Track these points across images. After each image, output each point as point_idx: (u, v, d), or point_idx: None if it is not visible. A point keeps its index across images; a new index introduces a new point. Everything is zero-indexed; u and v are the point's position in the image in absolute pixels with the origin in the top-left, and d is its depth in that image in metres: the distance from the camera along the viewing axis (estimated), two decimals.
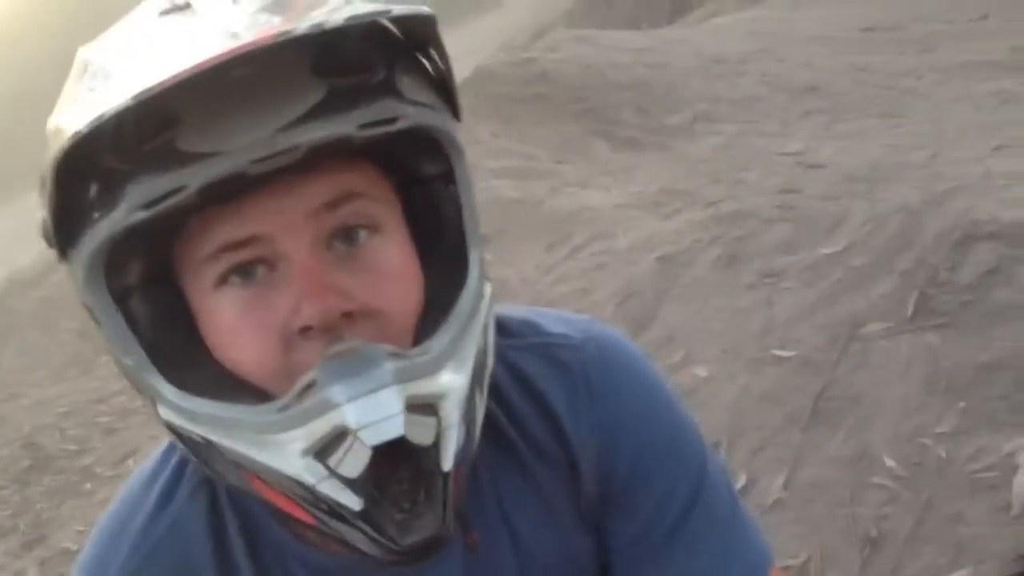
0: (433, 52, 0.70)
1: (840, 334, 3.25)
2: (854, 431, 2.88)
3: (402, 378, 0.64)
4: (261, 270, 0.68)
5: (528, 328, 0.90)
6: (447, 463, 0.66)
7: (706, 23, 9.03)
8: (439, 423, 0.66)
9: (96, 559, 0.83)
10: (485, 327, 0.72)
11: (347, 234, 0.69)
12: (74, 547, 4.14)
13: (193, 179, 0.61)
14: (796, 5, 9.13)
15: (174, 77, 0.55)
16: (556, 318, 0.92)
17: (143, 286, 0.70)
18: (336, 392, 0.63)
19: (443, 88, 0.72)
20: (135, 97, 0.55)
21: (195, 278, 0.70)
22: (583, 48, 7.51)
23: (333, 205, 0.68)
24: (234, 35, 0.60)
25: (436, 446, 0.66)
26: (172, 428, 0.70)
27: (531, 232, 4.91)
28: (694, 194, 4.88)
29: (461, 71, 8.20)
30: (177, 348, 0.70)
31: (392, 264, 0.71)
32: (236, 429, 0.66)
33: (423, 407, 0.65)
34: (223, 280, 0.68)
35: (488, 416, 0.79)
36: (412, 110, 0.67)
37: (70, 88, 0.68)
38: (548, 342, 0.88)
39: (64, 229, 0.65)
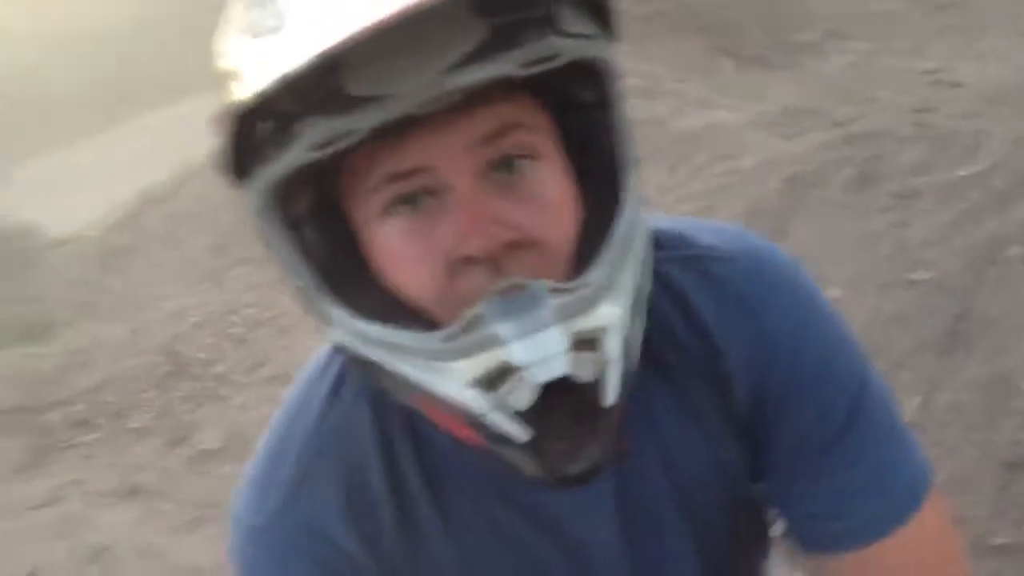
0: None
1: (978, 257, 3.17)
2: (991, 356, 2.82)
3: (565, 315, 0.65)
4: (425, 199, 0.70)
5: (678, 240, 0.89)
6: (609, 398, 0.68)
7: None
8: (601, 358, 0.67)
9: (270, 456, 0.88)
10: (642, 253, 0.73)
11: (507, 164, 0.71)
12: (215, 447, 4.36)
13: (362, 123, 0.64)
14: None
15: (360, 33, 0.57)
16: (708, 229, 0.91)
17: (313, 215, 0.74)
18: (502, 329, 0.65)
19: (601, 11, 0.71)
20: (321, 56, 0.57)
21: (362, 208, 0.73)
22: None
23: (493, 136, 0.69)
24: None
25: (599, 381, 0.67)
26: (343, 349, 0.74)
27: (653, 152, 4.85)
28: (824, 113, 4.75)
29: None
30: (349, 273, 0.73)
31: (551, 192, 0.72)
32: (405, 354, 0.69)
33: (585, 343, 0.66)
34: (389, 209, 0.71)
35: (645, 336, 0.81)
36: (572, 44, 0.67)
37: (239, 14, 0.71)
38: (699, 254, 0.88)
39: (239, 162, 0.68)
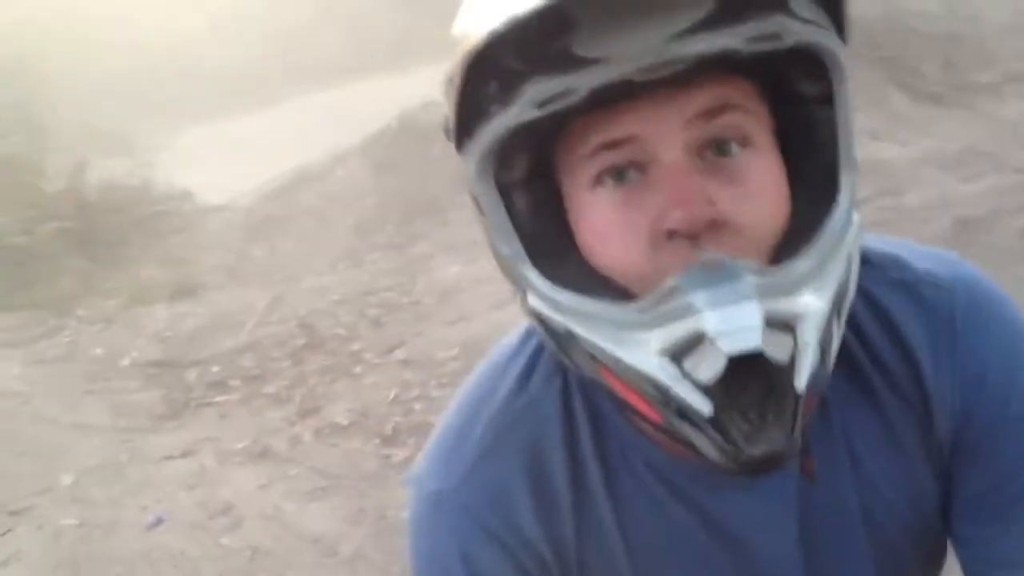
0: None
1: None
2: None
3: (764, 293, 0.64)
4: (634, 173, 0.70)
5: (892, 262, 0.86)
6: (800, 383, 0.66)
7: None
8: (795, 342, 0.66)
9: (459, 426, 0.89)
10: (849, 256, 0.71)
11: (719, 145, 0.70)
12: (345, 422, 4.44)
13: (583, 83, 0.64)
14: None
15: None
16: (923, 254, 0.88)
17: (525, 182, 0.75)
18: (698, 298, 0.64)
19: (833, 7, 0.70)
20: (547, 4, 0.58)
21: (572, 176, 0.73)
22: None
23: (709, 115, 0.68)
24: None
25: (791, 365, 0.66)
26: (538, 316, 0.74)
27: None
28: (1000, 158, 4.57)
29: None
30: (550, 242, 0.74)
31: (760, 180, 0.70)
32: (597, 322, 0.69)
33: (781, 325, 0.65)
34: (598, 180, 0.71)
35: (843, 346, 0.78)
36: (801, 27, 0.66)
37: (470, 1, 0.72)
38: (913, 279, 0.85)
39: (464, 123, 0.70)
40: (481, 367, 0.93)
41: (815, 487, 0.84)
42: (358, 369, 5.09)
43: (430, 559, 0.89)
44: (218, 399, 5.11)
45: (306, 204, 8.89)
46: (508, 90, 0.67)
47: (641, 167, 0.70)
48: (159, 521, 3.89)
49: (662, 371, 0.66)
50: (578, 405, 0.85)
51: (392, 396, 4.62)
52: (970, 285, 0.85)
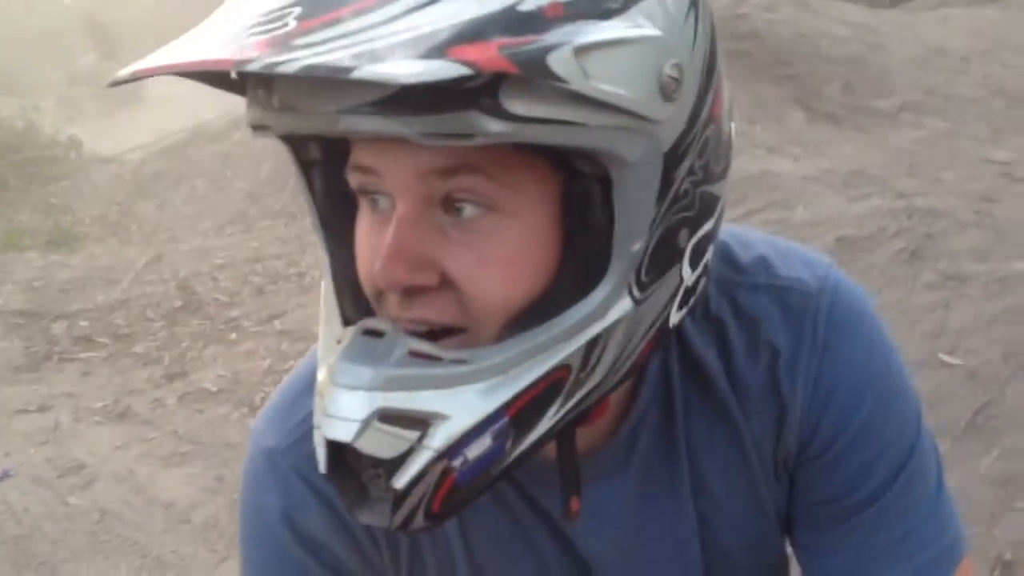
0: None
1: (1017, 352, 3.09)
2: (1008, 454, 2.76)
3: (387, 386, 0.61)
4: (384, 201, 0.66)
5: (761, 267, 0.84)
6: (399, 482, 0.63)
7: (933, 12, 8.55)
8: (417, 442, 0.62)
9: (300, 388, 0.86)
10: (593, 344, 0.66)
11: (455, 205, 0.64)
12: (213, 388, 4.33)
13: (279, 124, 0.61)
14: None
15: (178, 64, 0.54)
16: (795, 259, 0.85)
17: (324, 162, 0.72)
18: (338, 368, 0.63)
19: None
20: (136, 74, 0.55)
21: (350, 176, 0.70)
22: (800, 13, 7.20)
23: (447, 173, 0.62)
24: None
25: (397, 461, 0.63)
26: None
27: None
28: (887, 182, 4.67)
29: None
30: (340, 225, 0.73)
31: (499, 250, 0.64)
32: (324, 323, 0.73)
33: (405, 421, 0.62)
34: (360, 193, 0.69)
35: (695, 351, 0.81)
36: (510, 127, 0.56)
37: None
38: (780, 284, 0.83)
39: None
40: (313, 350, 0.89)
41: (654, 497, 0.84)
42: (234, 336, 4.98)
43: (256, 514, 0.88)
44: (83, 355, 4.94)
45: (200, 164, 8.69)
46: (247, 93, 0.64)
47: (391, 200, 0.66)
48: (5, 475, 3.73)
49: (316, 411, 0.66)
50: None
51: (266, 366, 4.52)
52: (835, 296, 0.83)
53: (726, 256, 0.83)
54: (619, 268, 0.64)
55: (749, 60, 6.61)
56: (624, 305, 0.66)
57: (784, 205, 4.62)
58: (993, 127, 5.86)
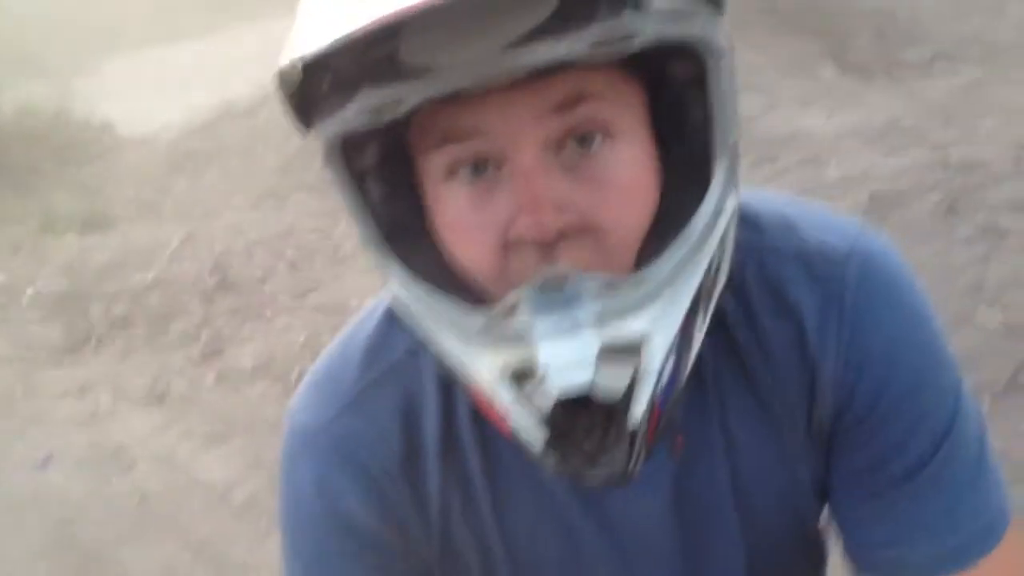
0: None
1: None
2: None
3: (604, 319, 0.61)
4: (490, 167, 0.66)
5: (785, 229, 0.82)
6: (635, 417, 0.64)
7: None
8: (636, 369, 0.63)
9: (339, 365, 0.87)
10: (723, 240, 0.68)
11: (580, 139, 0.65)
12: (248, 366, 4.35)
13: (413, 94, 0.60)
14: None
15: (417, 5, 0.52)
16: (820, 222, 0.83)
17: (379, 167, 0.71)
18: (534, 325, 0.62)
19: None
20: (375, 23, 0.54)
21: (426, 165, 0.70)
22: None
23: (564, 107, 0.64)
24: None
25: (627, 396, 0.63)
26: (398, 303, 0.73)
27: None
28: (922, 134, 4.58)
29: None
30: (409, 228, 0.71)
31: (624, 175, 0.66)
32: (446, 324, 0.67)
33: (621, 350, 0.62)
34: (453, 171, 0.67)
35: (724, 318, 0.79)
36: (653, 24, 0.60)
37: None
38: (805, 249, 0.81)
39: (303, 111, 0.66)
40: (374, 308, 0.89)
41: (690, 467, 0.83)
42: (269, 312, 4.99)
43: (294, 491, 0.87)
44: (120, 337, 4.98)
45: (231, 140, 8.70)
46: (340, 91, 0.63)
47: (496, 160, 0.66)
48: (48, 459, 3.78)
49: (502, 390, 0.65)
50: None
51: (302, 340, 4.53)
52: (865, 259, 0.80)
53: (746, 218, 0.80)
54: (724, 162, 0.66)
55: (777, 15, 6.50)
56: (735, 199, 0.68)
57: (816, 162, 4.55)
58: None
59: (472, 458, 0.83)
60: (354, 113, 0.62)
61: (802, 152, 4.67)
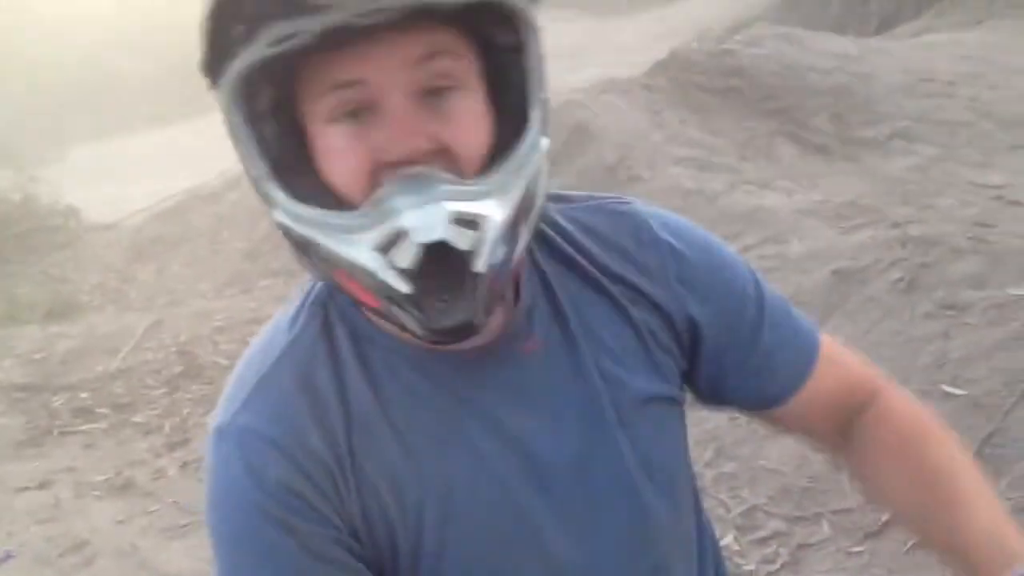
0: None
1: (1020, 379, 3.06)
2: (1019, 482, 2.71)
3: (452, 197, 0.80)
4: (365, 113, 0.84)
5: (585, 195, 1.08)
6: (478, 266, 0.81)
7: (917, 39, 8.60)
8: (478, 236, 0.81)
9: (238, 374, 0.96)
10: (537, 171, 0.87)
11: (435, 90, 0.84)
12: None
13: (311, 25, 0.76)
14: (1019, 32, 8.60)
15: None
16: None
17: (271, 113, 0.87)
18: (399, 202, 0.80)
19: None
20: None
21: (312, 110, 0.86)
22: (785, 47, 7.25)
23: (425, 59, 0.83)
24: None
25: (472, 252, 0.81)
26: (283, 228, 0.86)
27: (703, 225, 4.75)
28: (881, 212, 4.66)
29: (653, 55, 8.04)
30: (293, 166, 0.87)
31: (469, 115, 0.86)
32: (327, 228, 0.83)
33: (466, 222, 0.80)
34: (333, 116, 0.84)
35: (560, 251, 1.01)
36: None
37: None
38: (603, 202, 1.07)
39: (215, 62, 0.81)
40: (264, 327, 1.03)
41: (551, 356, 0.98)
42: None
43: (223, 490, 0.91)
44: (84, 427, 4.91)
45: (197, 226, 8.71)
46: (249, 32, 0.78)
47: (371, 107, 0.83)
48: (7, 557, 3.70)
49: (373, 261, 0.81)
50: (340, 332, 0.96)
51: None
52: (646, 208, 1.07)
53: (554, 195, 1.03)
54: (538, 113, 0.87)
55: (737, 96, 6.65)
56: (546, 141, 0.88)
57: (778, 240, 4.61)
58: (984, 151, 5.86)
59: (367, 403, 0.93)
60: (261, 46, 0.78)
61: (765, 230, 4.74)
